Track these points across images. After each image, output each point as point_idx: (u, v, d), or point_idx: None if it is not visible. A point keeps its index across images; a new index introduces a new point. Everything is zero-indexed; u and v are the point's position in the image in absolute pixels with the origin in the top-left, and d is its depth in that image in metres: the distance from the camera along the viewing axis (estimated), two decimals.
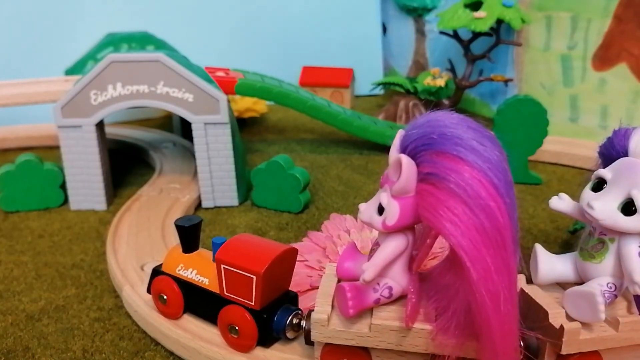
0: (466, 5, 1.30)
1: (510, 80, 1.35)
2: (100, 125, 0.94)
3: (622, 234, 0.48)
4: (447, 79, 1.41)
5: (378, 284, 0.49)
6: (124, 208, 0.91)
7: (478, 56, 1.33)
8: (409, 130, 0.46)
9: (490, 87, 1.46)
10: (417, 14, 1.67)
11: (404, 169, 0.44)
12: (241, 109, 1.43)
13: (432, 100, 1.44)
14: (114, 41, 1.32)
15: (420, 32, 1.69)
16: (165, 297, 0.61)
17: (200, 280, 0.59)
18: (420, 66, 1.71)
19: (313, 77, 1.65)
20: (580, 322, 0.48)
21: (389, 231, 0.47)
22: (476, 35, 1.30)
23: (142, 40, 1.32)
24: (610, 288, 0.49)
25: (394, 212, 0.46)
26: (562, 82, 1.29)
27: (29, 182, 0.95)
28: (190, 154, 1.15)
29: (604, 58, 1.22)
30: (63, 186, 0.97)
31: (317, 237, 0.76)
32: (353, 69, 1.69)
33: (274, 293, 0.56)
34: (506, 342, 0.44)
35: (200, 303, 0.60)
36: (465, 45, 1.33)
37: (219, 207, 0.97)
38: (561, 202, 0.54)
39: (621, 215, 0.47)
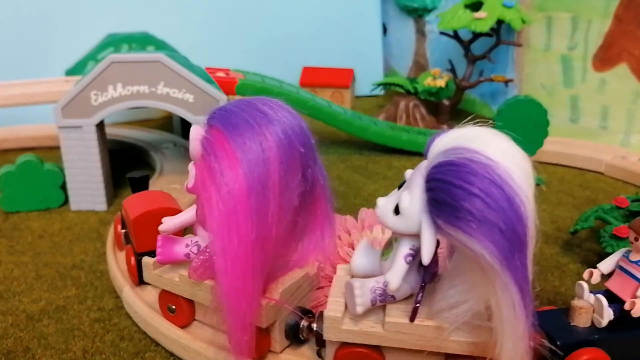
0: (467, 6, 1.30)
1: (511, 80, 1.35)
2: (100, 126, 0.94)
3: (402, 235, 0.47)
4: (448, 79, 1.41)
5: (191, 240, 0.56)
6: None
7: (478, 57, 1.33)
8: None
9: (490, 88, 1.47)
10: (418, 14, 1.68)
11: (190, 138, 0.50)
12: None
13: (432, 100, 1.44)
14: (114, 42, 1.32)
15: (421, 33, 1.70)
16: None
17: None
18: (420, 67, 1.71)
19: (313, 77, 1.66)
20: (356, 314, 0.49)
21: (190, 193, 0.53)
22: (477, 35, 1.30)
23: (143, 41, 1.32)
24: (385, 285, 0.48)
25: (190, 176, 0.52)
26: (563, 82, 1.29)
27: (30, 183, 0.95)
28: None
29: (605, 58, 1.22)
30: (63, 187, 0.97)
31: None
32: (353, 69, 1.69)
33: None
34: (233, 306, 0.47)
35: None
36: (466, 45, 1.33)
37: None
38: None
39: (391, 214, 0.47)
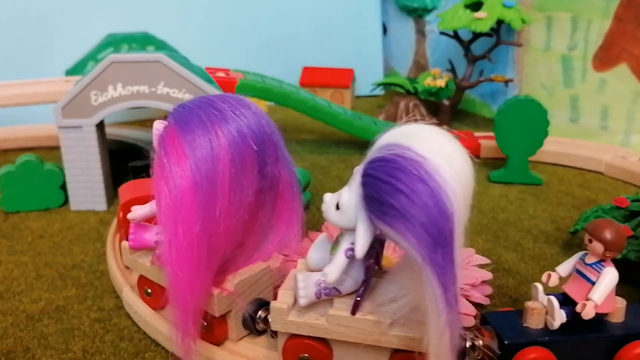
0: (467, 6, 1.30)
1: (511, 80, 1.35)
2: (100, 126, 0.94)
3: (345, 230, 0.48)
4: (448, 79, 1.41)
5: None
6: None
7: (478, 57, 1.33)
8: None
9: (490, 88, 1.47)
10: (418, 14, 1.68)
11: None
12: None
13: (432, 100, 1.45)
14: (114, 42, 1.32)
15: (421, 33, 1.70)
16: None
17: None
18: (420, 67, 1.71)
19: (313, 77, 1.65)
20: (304, 307, 0.50)
21: None
22: (477, 35, 1.30)
23: (143, 41, 1.32)
24: None
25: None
26: (563, 82, 1.29)
27: (30, 183, 0.95)
28: None
29: (605, 58, 1.22)
30: (63, 187, 0.97)
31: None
32: (353, 69, 1.69)
33: None
34: (179, 293, 0.49)
35: None
36: (466, 45, 1.33)
37: None
38: None
39: (333, 209, 0.47)
